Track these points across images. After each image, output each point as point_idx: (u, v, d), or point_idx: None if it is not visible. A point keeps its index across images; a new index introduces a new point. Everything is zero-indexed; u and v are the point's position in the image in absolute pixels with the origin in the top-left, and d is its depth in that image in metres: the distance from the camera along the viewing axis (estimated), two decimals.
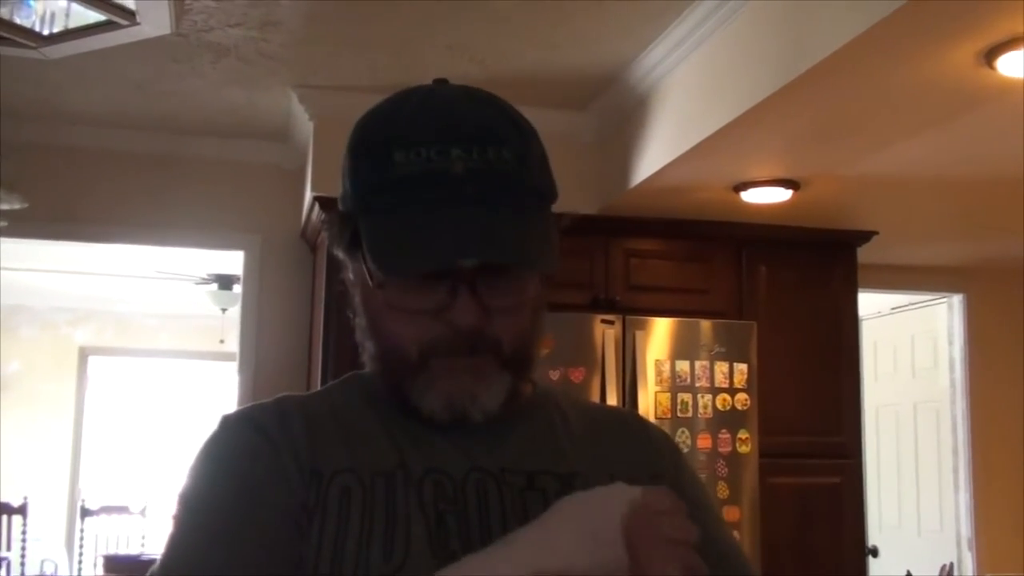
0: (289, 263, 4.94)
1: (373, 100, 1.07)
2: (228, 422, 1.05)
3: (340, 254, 1.07)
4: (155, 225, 4.87)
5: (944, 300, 5.93)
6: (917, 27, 2.51)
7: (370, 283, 1.02)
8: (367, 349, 1.06)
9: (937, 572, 3.13)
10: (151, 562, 1.01)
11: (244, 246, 4.96)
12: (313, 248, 4.80)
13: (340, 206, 1.05)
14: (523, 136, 1.02)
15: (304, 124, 4.47)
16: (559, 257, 1.03)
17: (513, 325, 1.01)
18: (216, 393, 8.26)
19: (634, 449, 1.12)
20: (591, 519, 0.90)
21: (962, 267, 5.75)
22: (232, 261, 5.46)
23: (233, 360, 5.08)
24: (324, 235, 4.23)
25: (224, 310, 7.19)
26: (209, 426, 1.06)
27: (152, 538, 7.19)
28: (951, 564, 3.12)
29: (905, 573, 3.09)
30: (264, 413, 1.06)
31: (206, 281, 7.13)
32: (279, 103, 4.42)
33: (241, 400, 4.74)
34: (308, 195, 4.39)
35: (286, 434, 1.02)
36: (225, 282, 7.03)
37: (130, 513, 7.32)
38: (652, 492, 0.93)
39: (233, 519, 0.96)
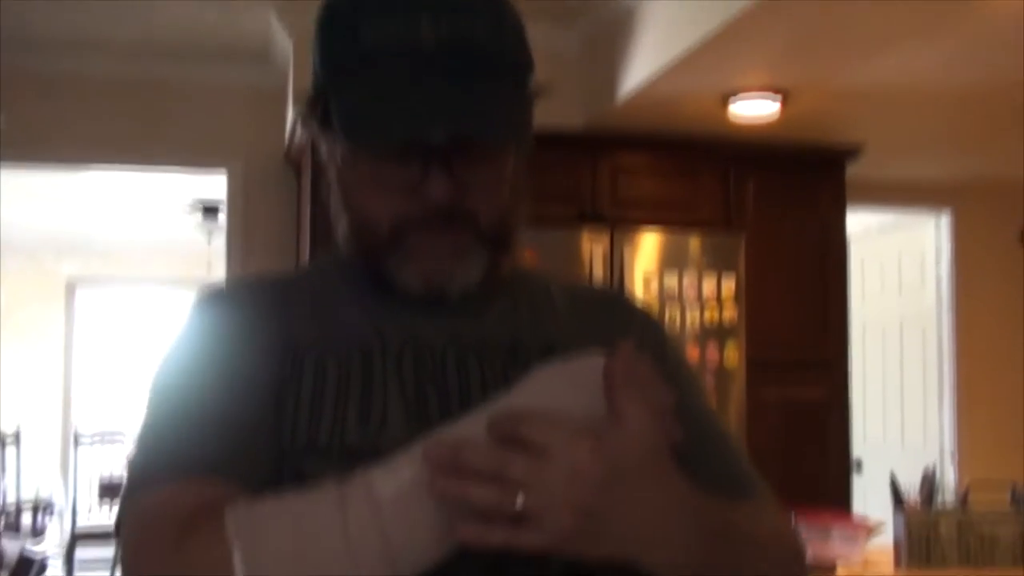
0: (273, 187, 4.91)
1: None
2: (204, 299, 1.05)
3: (314, 131, 1.05)
4: (135, 149, 4.83)
5: (932, 218, 5.93)
6: None
7: (340, 159, 1.00)
8: (340, 225, 1.05)
9: (920, 478, 3.17)
10: None
11: (226, 168, 4.92)
12: (297, 171, 4.77)
13: (311, 83, 1.03)
14: (496, 4, 0.99)
15: (284, 42, 4.41)
16: (532, 129, 1.01)
17: (490, 199, 0.99)
18: None
19: (618, 325, 1.10)
20: (569, 385, 0.90)
21: (949, 184, 5.75)
22: (216, 188, 5.42)
23: None
24: (308, 157, 4.20)
25: (210, 235, 7.16)
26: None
27: None
28: (934, 465, 3.17)
29: (889, 474, 3.14)
30: (239, 289, 1.06)
31: (191, 210, 7.09)
32: (258, 21, 4.36)
33: None
34: (290, 115, 4.35)
35: (260, 310, 1.02)
36: (210, 210, 6.98)
37: (123, 440, 7.36)
38: (628, 358, 0.92)
39: (210, 394, 0.96)
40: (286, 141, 4.66)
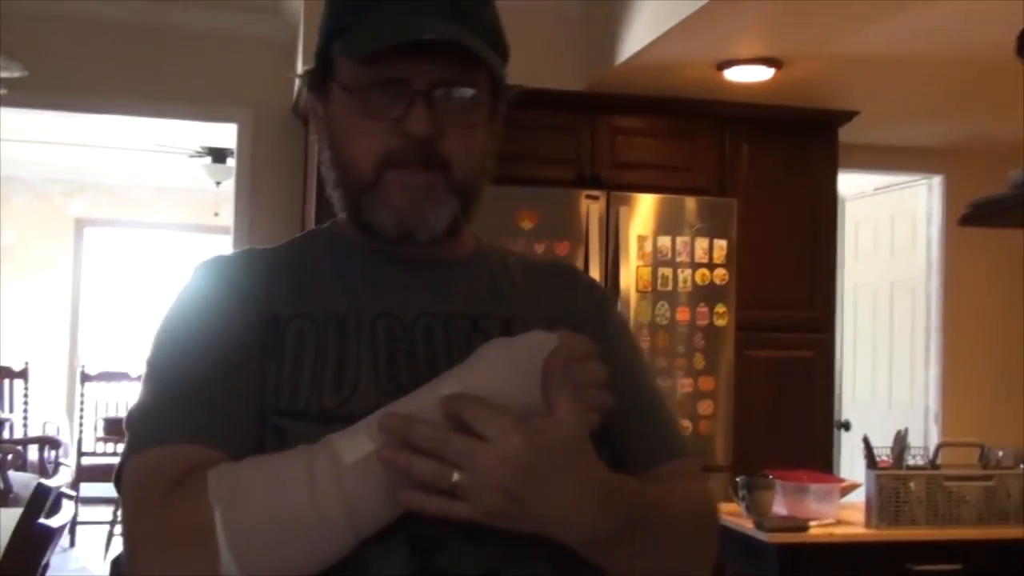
0: (282, 138, 5.01)
1: None
2: (196, 271, 1.16)
3: (312, 96, 1.17)
4: (148, 96, 4.92)
5: (924, 181, 6.03)
6: None
7: (331, 101, 1.12)
8: (330, 180, 1.16)
9: (892, 439, 3.31)
10: None
11: (237, 119, 5.02)
12: (306, 123, 4.87)
13: (315, 53, 1.16)
14: None
15: None
16: (506, 84, 1.14)
17: (464, 145, 1.10)
18: None
19: (565, 295, 1.23)
20: (512, 363, 1.01)
21: (942, 148, 5.82)
22: (225, 134, 5.52)
23: (227, 233, 5.19)
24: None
25: (218, 183, 7.25)
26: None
27: None
28: (905, 430, 3.30)
29: (863, 438, 3.28)
30: (229, 262, 1.17)
31: (200, 154, 7.18)
32: None
33: None
34: (300, 69, 4.43)
35: (248, 281, 1.13)
36: (219, 155, 7.07)
37: (129, 379, 7.51)
38: (568, 338, 1.04)
39: (201, 363, 1.07)
40: (295, 93, 4.76)
